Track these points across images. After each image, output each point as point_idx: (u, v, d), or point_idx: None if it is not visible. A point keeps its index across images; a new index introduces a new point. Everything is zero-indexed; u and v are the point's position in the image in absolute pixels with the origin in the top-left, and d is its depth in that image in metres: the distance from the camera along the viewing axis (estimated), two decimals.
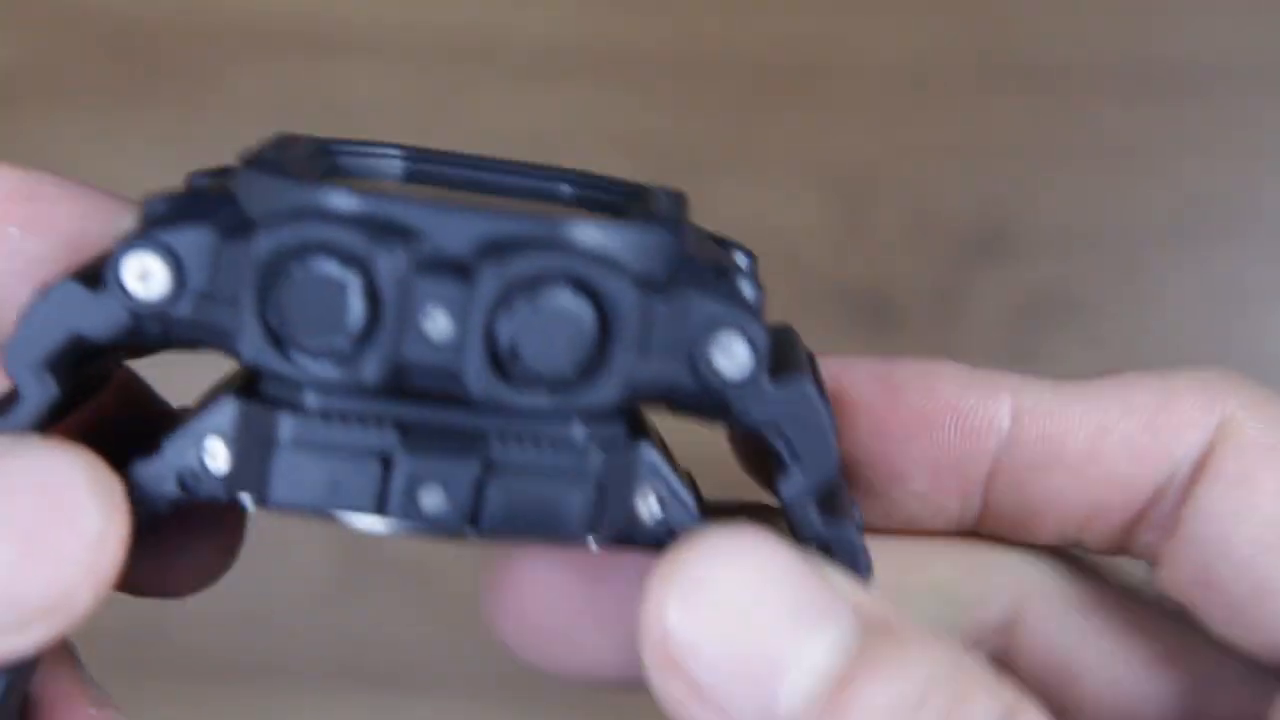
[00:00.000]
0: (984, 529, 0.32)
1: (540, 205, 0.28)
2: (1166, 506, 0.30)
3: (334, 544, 0.64)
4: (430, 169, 0.29)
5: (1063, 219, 0.64)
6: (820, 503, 0.27)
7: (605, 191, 0.29)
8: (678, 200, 0.28)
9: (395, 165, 0.29)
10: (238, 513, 0.31)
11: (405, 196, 0.25)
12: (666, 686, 0.24)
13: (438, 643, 0.65)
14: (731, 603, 0.24)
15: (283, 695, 0.64)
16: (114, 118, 0.64)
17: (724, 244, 0.29)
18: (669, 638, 0.24)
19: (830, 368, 0.29)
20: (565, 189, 0.29)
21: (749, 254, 0.28)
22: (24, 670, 0.26)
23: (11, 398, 0.25)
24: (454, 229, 0.24)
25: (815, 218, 0.63)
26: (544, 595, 0.32)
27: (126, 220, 0.28)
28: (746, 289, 0.26)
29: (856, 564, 0.27)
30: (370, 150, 0.29)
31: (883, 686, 0.24)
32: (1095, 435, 0.30)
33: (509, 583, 0.32)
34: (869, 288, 0.64)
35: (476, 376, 0.24)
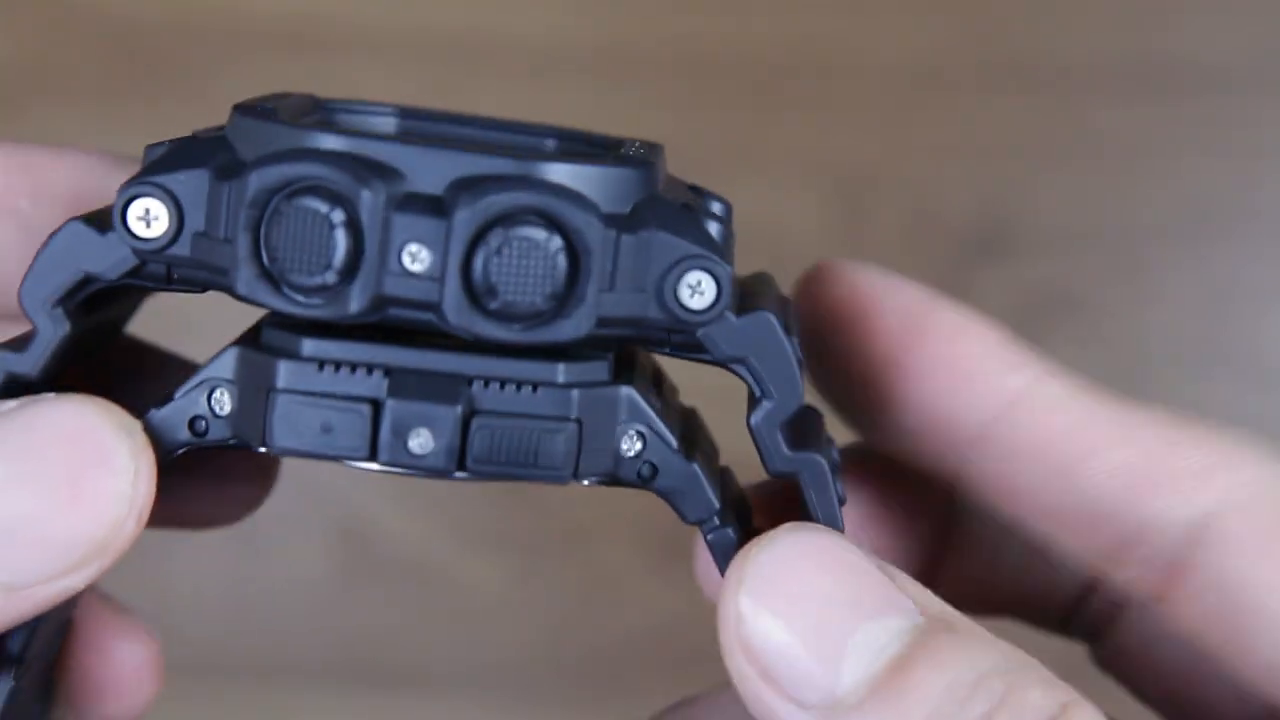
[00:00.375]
0: (963, 482, 0.32)
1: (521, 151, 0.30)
2: (1159, 546, 0.30)
3: (334, 543, 0.64)
4: (420, 125, 0.31)
5: (1062, 219, 0.64)
6: (791, 433, 0.28)
7: (587, 145, 0.30)
8: (653, 149, 0.29)
9: (388, 122, 0.31)
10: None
11: (387, 136, 0.26)
12: (739, 669, 0.26)
13: (438, 643, 0.65)
14: (797, 592, 0.26)
15: (283, 695, 0.64)
16: (113, 117, 0.64)
17: (701, 193, 0.30)
18: (741, 624, 0.26)
19: (877, 282, 0.31)
20: (549, 143, 0.31)
21: (725, 203, 0.30)
22: (57, 611, 0.28)
23: (28, 336, 0.27)
24: (431, 167, 0.26)
25: (815, 217, 0.64)
26: None
27: (120, 176, 0.30)
28: (713, 228, 0.27)
29: (826, 491, 0.28)
30: (363, 108, 0.31)
31: (939, 672, 0.25)
32: (1096, 447, 0.31)
33: None
34: None
35: (454, 308, 0.25)
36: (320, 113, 0.30)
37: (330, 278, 0.25)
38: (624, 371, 0.28)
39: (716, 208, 0.29)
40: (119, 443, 0.26)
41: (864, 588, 0.26)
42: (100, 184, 0.31)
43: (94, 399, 0.27)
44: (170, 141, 0.27)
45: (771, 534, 0.27)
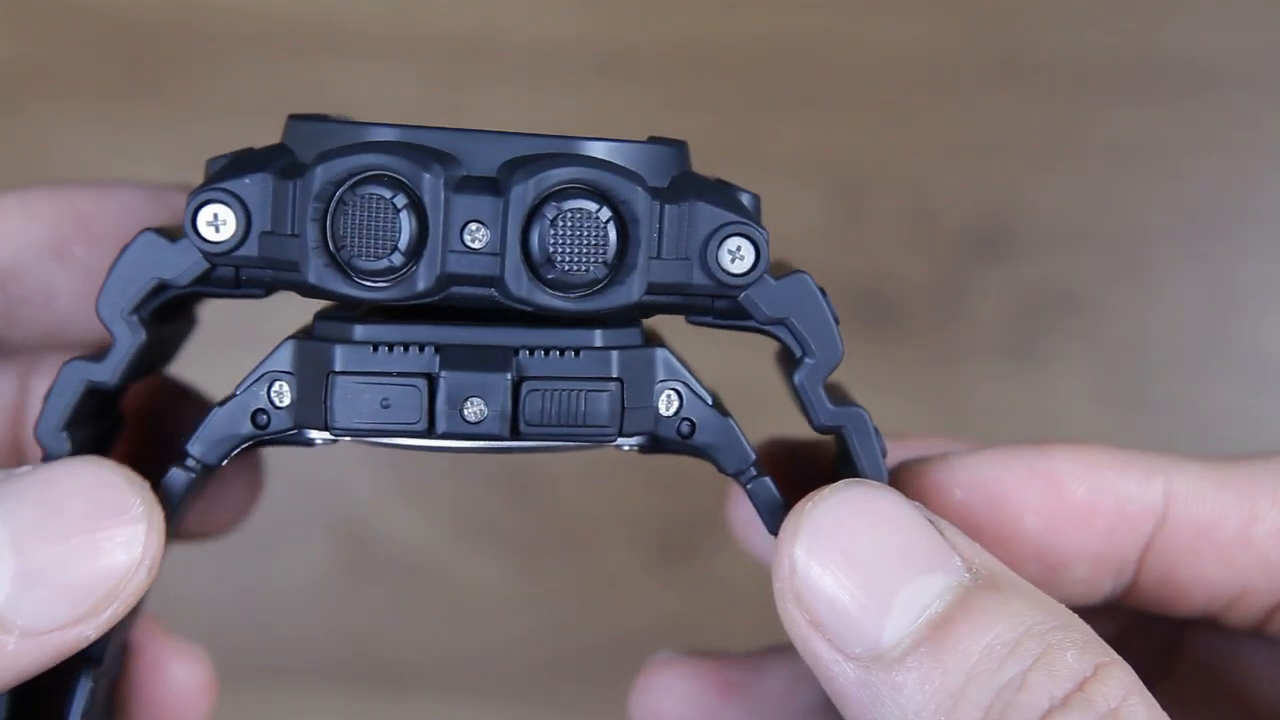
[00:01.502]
0: (1129, 602, 0.33)
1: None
2: None
3: (334, 543, 0.64)
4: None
5: (1062, 218, 0.64)
6: (834, 399, 0.29)
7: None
8: (680, 142, 0.31)
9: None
10: (256, 454, 0.35)
11: (438, 127, 0.28)
12: (790, 616, 0.27)
13: (438, 642, 0.65)
14: (848, 546, 0.27)
15: (283, 695, 0.64)
16: (113, 117, 0.64)
17: (726, 186, 0.31)
18: (794, 573, 0.27)
19: (989, 467, 0.32)
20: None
21: (753, 195, 0.31)
22: (121, 628, 0.30)
23: (104, 346, 0.29)
24: (483, 151, 0.28)
25: (815, 216, 0.64)
26: (679, 703, 0.35)
27: (161, 210, 0.31)
28: (745, 197, 0.29)
29: (870, 442, 0.29)
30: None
31: (981, 631, 0.26)
32: (1247, 522, 0.32)
33: (651, 689, 0.36)
34: (869, 286, 0.64)
35: (515, 280, 0.27)
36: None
37: (397, 260, 0.27)
38: (649, 336, 0.30)
39: (745, 198, 0.31)
40: (134, 495, 0.28)
41: (913, 543, 0.27)
42: (146, 222, 0.33)
43: (106, 459, 0.28)
44: (232, 153, 0.29)
45: (827, 489, 0.28)
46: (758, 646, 0.37)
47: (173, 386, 0.36)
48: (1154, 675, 0.35)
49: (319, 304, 0.30)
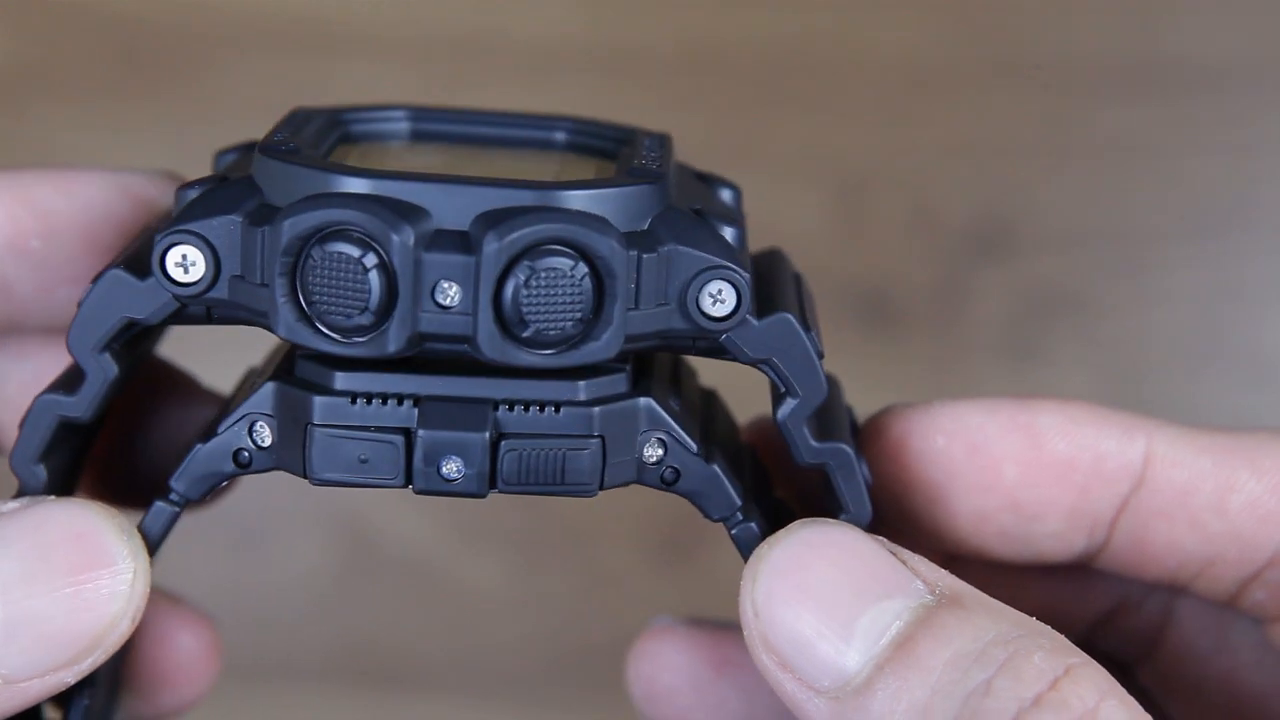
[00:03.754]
0: (1098, 563, 0.33)
1: (536, 161, 0.31)
2: None
3: (334, 543, 0.64)
4: (434, 127, 0.32)
5: (1063, 217, 0.64)
6: (819, 430, 0.29)
7: (596, 137, 0.31)
8: (663, 143, 0.30)
9: (402, 126, 0.32)
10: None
11: (410, 175, 0.27)
12: (760, 660, 0.27)
13: (438, 643, 0.65)
14: (805, 583, 0.27)
15: (283, 695, 0.64)
16: (113, 117, 0.64)
17: (708, 181, 0.31)
18: (758, 617, 0.27)
19: (972, 415, 0.32)
20: (560, 136, 0.32)
21: (734, 188, 0.31)
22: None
23: (78, 377, 0.28)
24: (455, 204, 0.27)
25: (816, 216, 0.63)
26: (673, 674, 0.35)
27: (124, 203, 0.30)
28: (727, 232, 0.28)
29: (853, 477, 0.29)
30: (377, 115, 0.32)
31: (943, 645, 0.26)
32: (1223, 490, 0.31)
33: (646, 656, 0.36)
34: (870, 285, 0.64)
35: (488, 340, 0.26)
36: (338, 128, 0.31)
37: (367, 319, 0.26)
38: (641, 377, 0.29)
39: (726, 194, 0.30)
40: (120, 545, 0.27)
41: (871, 573, 0.27)
42: (107, 213, 0.33)
43: (95, 503, 0.28)
44: (200, 182, 0.28)
45: (781, 532, 0.28)
46: None
47: (156, 364, 0.35)
48: (1143, 654, 0.35)
49: None
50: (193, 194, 0.28)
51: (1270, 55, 0.64)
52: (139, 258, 0.28)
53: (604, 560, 0.64)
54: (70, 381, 0.29)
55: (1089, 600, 0.35)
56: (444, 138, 0.32)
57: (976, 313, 0.64)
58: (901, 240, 0.64)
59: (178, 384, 0.36)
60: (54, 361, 0.32)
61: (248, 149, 0.31)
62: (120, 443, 0.35)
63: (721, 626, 0.35)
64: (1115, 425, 0.32)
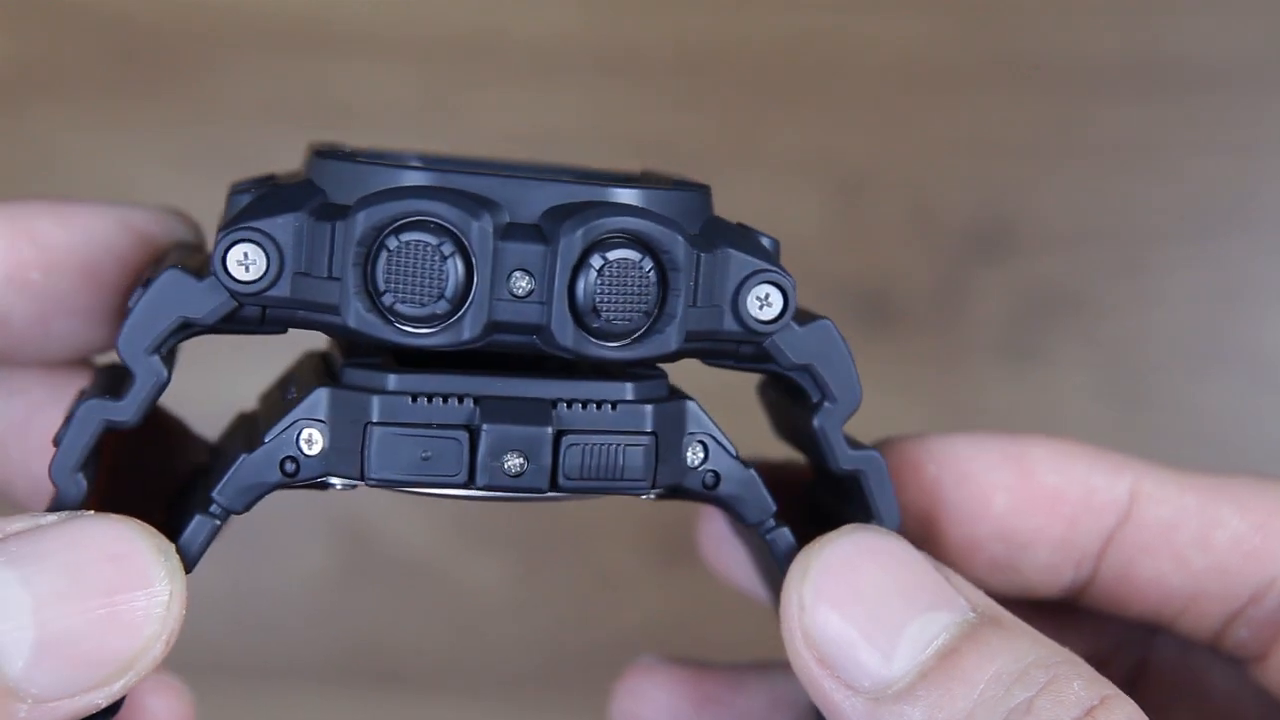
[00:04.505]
0: (1084, 599, 0.33)
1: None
2: (1269, 606, 0.32)
3: (334, 543, 0.64)
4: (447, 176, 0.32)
5: (1063, 217, 0.64)
6: (849, 440, 0.30)
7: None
8: (702, 187, 0.31)
9: (417, 175, 0.31)
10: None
11: (480, 169, 0.28)
12: (798, 654, 0.28)
13: (438, 643, 0.65)
14: (855, 585, 0.28)
15: (283, 695, 0.64)
16: (113, 117, 0.64)
17: (746, 229, 0.31)
18: (802, 614, 0.27)
19: (963, 447, 0.32)
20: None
21: (773, 240, 0.31)
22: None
23: (125, 381, 0.28)
24: (526, 198, 0.27)
25: (815, 215, 0.63)
26: (656, 712, 0.36)
27: (125, 236, 0.30)
28: (766, 241, 0.29)
29: (886, 486, 0.30)
30: (388, 157, 0.31)
31: (988, 661, 0.27)
32: (1207, 527, 0.32)
33: (629, 694, 0.36)
34: (869, 285, 0.64)
35: (561, 329, 0.27)
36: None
37: (442, 307, 0.27)
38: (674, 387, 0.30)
39: (765, 241, 0.31)
40: (158, 567, 0.27)
41: (919, 584, 0.28)
42: (108, 247, 0.32)
43: (133, 520, 0.27)
44: (253, 183, 0.29)
45: (834, 533, 0.28)
46: (742, 660, 0.38)
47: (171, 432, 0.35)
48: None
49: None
50: (247, 197, 0.28)
51: (1270, 55, 0.64)
52: (197, 262, 0.28)
53: (604, 560, 0.64)
54: (112, 386, 0.28)
55: (1070, 643, 0.35)
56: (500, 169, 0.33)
57: (976, 313, 0.64)
58: (901, 240, 0.64)
59: (168, 428, 0.35)
60: (49, 395, 0.32)
61: (264, 181, 0.31)
62: (108, 482, 0.34)
63: (703, 665, 0.36)
64: (1103, 461, 0.32)
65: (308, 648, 0.65)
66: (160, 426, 0.35)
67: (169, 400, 0.35)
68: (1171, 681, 0.35)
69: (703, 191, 0.29)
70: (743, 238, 0.29)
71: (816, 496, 0.32)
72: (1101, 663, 0.35)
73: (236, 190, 0.29)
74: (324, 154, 0.28)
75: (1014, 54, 0.64)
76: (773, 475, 0.33)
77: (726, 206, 0.31)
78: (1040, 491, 0.32)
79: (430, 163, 0.28)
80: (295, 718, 0.65)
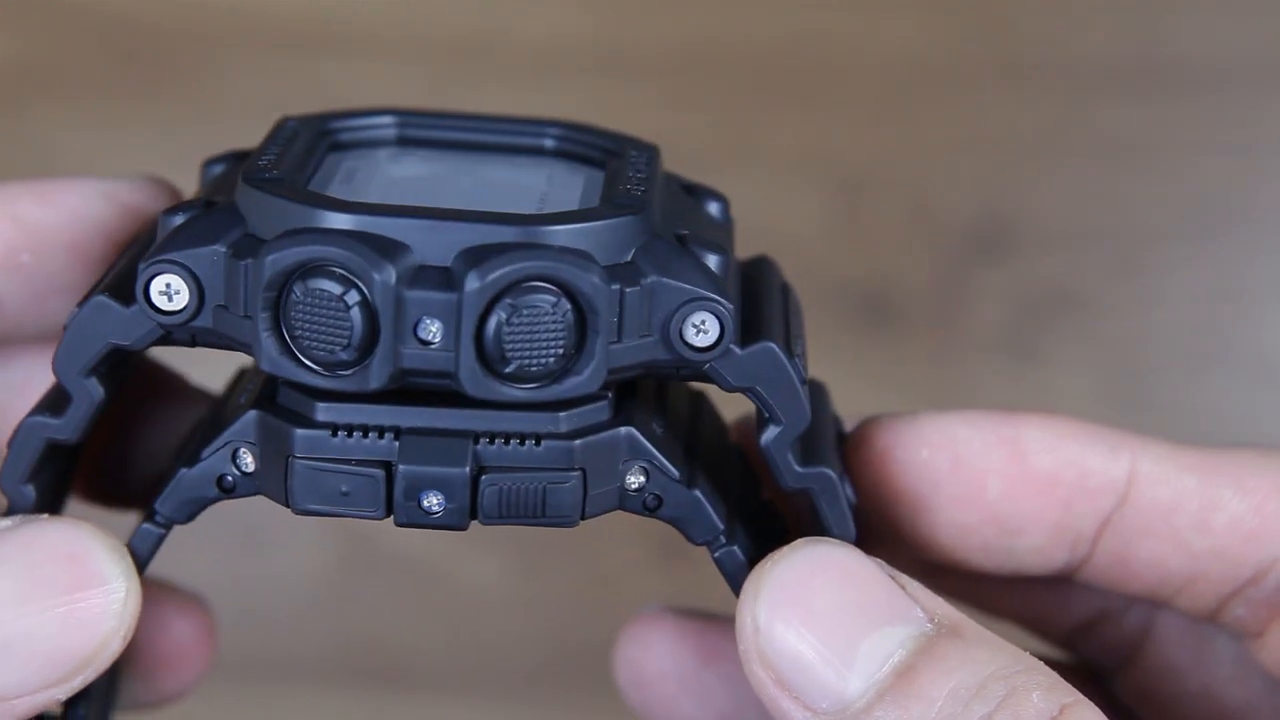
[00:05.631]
0: (1081, 577, 0.33)
1: (524, 170, 0.31)
2: (1268, 587, 0.31)
3: (334, 543, 0.64)
4: (422, 133, 0.32)
5: (1063, 217, 0.64)
6: (803, 451, 0.29)
7: (585, 145, 0.32)
8: (650, 159, 0.30)
9: (389, 131, 0.32)
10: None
11: (392, 210, 0.27)
12: (756, 676, 0.27)
13: (437, 641, 0.65)
14: (808, 602, 0.27)
15: (283, 695, 0.64)
16: (113, 117, 0.64)
17: (696, 193, 0.31)
18: (757, 633, 0.27)
19: (957, 428, 0.32)
20: (549, 142, 0.32)
21: (721, 200, 0.31)
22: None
23: (65, 400, 0.28)
24: (438, 240, 0.27)
25: (815, 215, 0.64)
26: (660, 662, 0.35)
27: (110, 210, 0.31)
28: (711, 260, 0.28)
29: (837, 502, 0.29)
30: (365, 121, 0.32)
31: (944, 676, 0.26)
32: (1207, 508, 0.31)
33: (634, 642, 0.36)
34: (869, 285, 0.64)
35: (470, 376, 0.26)
36: (325, 137, 0.31)
37: (350, 354, 0.26)
38: (625, 398, 0.29)
39: (714, 208, 0.30)
40: (113, 565, 0.28)
41: (872, 597, 0.27)
42: (95, 222, 0.33)
43: (86, 524, 0.28)
44: (183, 208, 0.28)
45: (786, 549, 0.28)
46: None
47: (145, 364, 0.35)
48: (1123, 662, 0.35)
49: None
50: (177, 220, 0.28)
51: (1270, 55, 0.64)
52: (124, 283, 0.28)
53: (604, 560, 0.64)
54: (56, 403, 0.29)
55: (1069, 610, 0.35)
56: (432, 144, 0.32)
57: (976, 313, 0.64)
58: (901, 240, 0.64)
59: (167, 384, 0.36)
60: (46, 368, 0.32)
61: (237, 158, 0.31)
62: (111, 445, 0.35)
63: (711, 618, 0.36)
64: (1100, 441, 0.32)
65: (307, 646, 0.65)
66: (160, 383, 0.36)
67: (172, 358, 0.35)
68: (1179, 643, 0.35)
69: (640, 215, 0.28)
70: (679, 262, 0.28)
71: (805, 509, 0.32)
72: (1110, 620, 0.35)
73: (168, 213, 0.28)
74: (249, 179, 0.28)
75: (1014, 54, 0.64)
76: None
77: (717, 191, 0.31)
78: (1034, 476, 0.32)
79: (345, 204, 0.27)
80: (295, 715, 0.65)
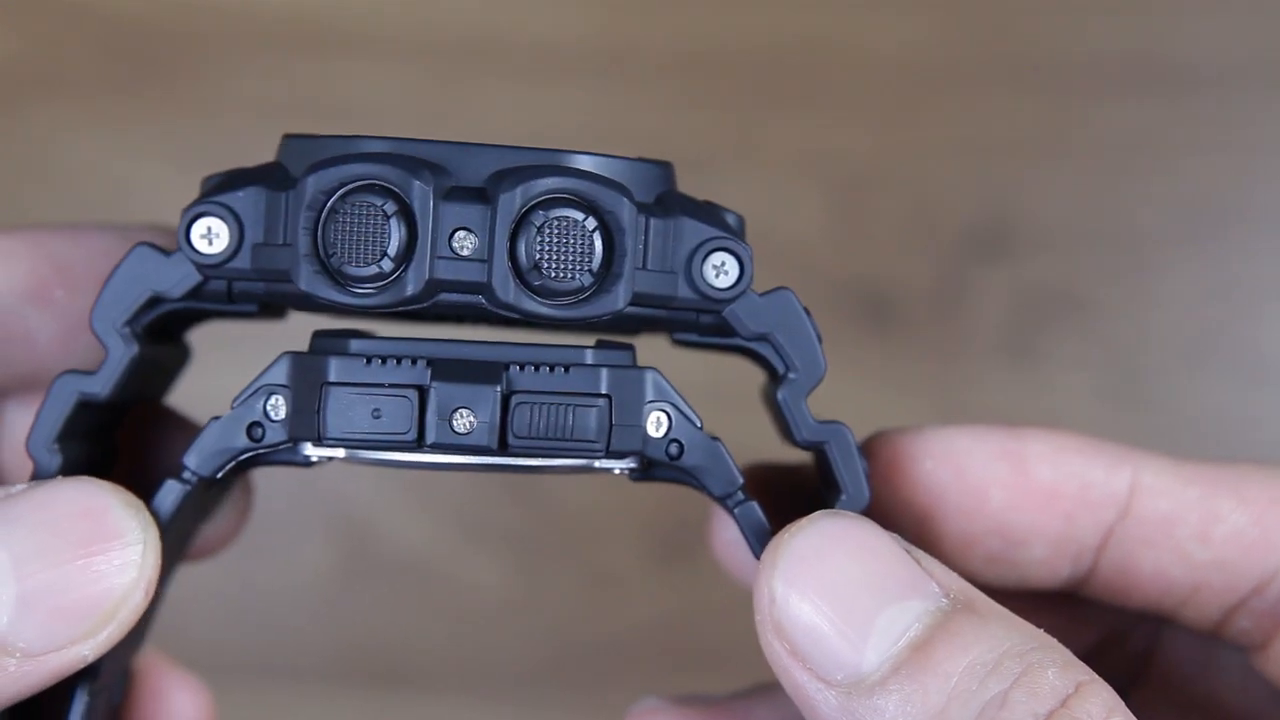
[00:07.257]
0: (1084, 591, 0.33)
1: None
2: (1271, 598, 0.32)
3: (335, 542, 0.64)
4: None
5: (1062, 217, 0.64)
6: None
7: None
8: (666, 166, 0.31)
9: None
10: (246, 478, 0.36)
11: (428, 139, 0.28)
12: (770, 646, 0.28)
13: (437, 642, 0.65)
14: (825, 575, 0.27)
15: (283, 695, 0.64)
16: (113, 117, 0.64)
17: (713, 207, 0.31)
18: (774, 604, 0.27)
19: (960, 441, 0.32)
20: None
21: (738, 216, 0.31)
22: (122, 647, 0.30)
23: (98, 358, 0.29)
24: (472, 162, 0.28)
25: (815, 215, 0.64)
26: None
27: (105, 244, 0.33)
28: (730, 217, 0.30)
29: (852, 459, 0.30)
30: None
31: (960, 652, 0.26)
32: (1207, 521, 0.32)
33: None
34: (869, 285, 0.64)
35: (502, 286, 0.28)
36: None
37: (386, 265, 0.28)
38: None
39: (731, 218, 0.31)
40: (129, 519, 0.28)
41: (889, 572, 0.27)
42: (87, 256, 0.34)
43: (99, 480, 0.28)
44: (225, 172, 0.29)
45: (804, 521, 0.28)
46: (743, 688, 0.37)
47: (169, 415, 0.36)
48: (1129, 683, 0.35)
49: (308, 325, 0.31)
50: (216, 178, 0.29)
51: (1270, 55, 0.64)
52: (166, 242, 0.29)
53: (604, 560, 0.64)
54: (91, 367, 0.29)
55: (1077, 632, 0.35)
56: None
57: (976, 313, 0.64)
58: (901, 240, 0.64)
59: (183, 430, 0.36)
60: None
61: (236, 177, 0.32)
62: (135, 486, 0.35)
63: (708, 700, 0.36)
64: (1102, 455, 0.32)
65: (308, 646, 0.65)
66: (179, 431, 0.36)
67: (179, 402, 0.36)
68: (1185, 659, 0.35)
69: (662, 166, 0.29)
70: (704, 210, 0.29)
71: (820, 494, 0.32)
72: (1115, 643, 0.35)
73: (209, 178, 0.30)
74: (291, 135, 0.29)
75: (1014, 54, 0.64)
76: (781, 479, 0.33)
77: (727, 206, 0.31)
78: (1036, 488, 0.32)
79: (381, 137, 0.28)
80: (296, 716, 0.65)
